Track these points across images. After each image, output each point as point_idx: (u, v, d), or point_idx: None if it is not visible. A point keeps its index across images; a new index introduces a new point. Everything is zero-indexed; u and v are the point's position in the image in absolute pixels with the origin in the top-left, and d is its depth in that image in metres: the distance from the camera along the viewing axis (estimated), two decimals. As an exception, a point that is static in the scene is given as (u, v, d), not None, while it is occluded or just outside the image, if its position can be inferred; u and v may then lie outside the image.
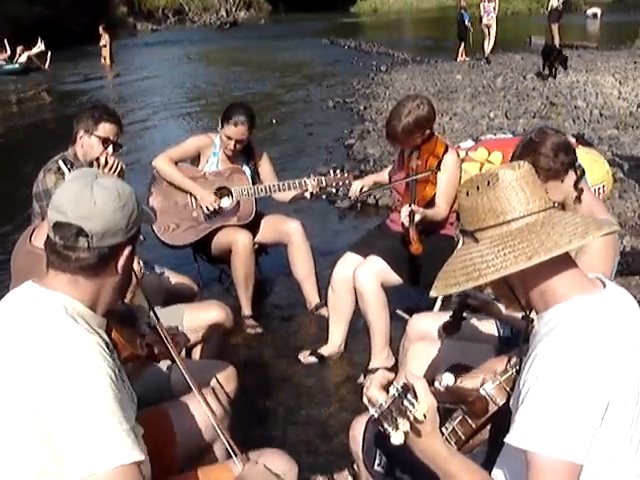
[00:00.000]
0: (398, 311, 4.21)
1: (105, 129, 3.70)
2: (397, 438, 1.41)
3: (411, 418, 1.42)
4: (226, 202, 4.62)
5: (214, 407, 2.50)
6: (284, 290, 5.13)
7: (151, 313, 2.26)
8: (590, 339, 1.56)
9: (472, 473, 1.58)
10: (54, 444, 1.64)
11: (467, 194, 1.75)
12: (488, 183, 1.71)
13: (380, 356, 3.92)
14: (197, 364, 3.22)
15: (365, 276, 3.83)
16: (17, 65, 22.27)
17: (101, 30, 23.77)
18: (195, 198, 4.59)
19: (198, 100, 15.80)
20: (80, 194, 1.76)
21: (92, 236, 1.75)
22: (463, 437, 1.89)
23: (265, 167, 4.79)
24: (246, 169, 4.70)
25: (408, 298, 4.51)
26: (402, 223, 3.70)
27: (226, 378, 2.94)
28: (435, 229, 3.96)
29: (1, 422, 1.70)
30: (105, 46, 23.77)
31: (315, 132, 11.06)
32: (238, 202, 4.61)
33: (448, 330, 2.55)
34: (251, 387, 3.65)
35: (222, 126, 4.51)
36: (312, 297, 4.68)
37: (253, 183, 4.68)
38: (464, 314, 2.71)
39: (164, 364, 2.95)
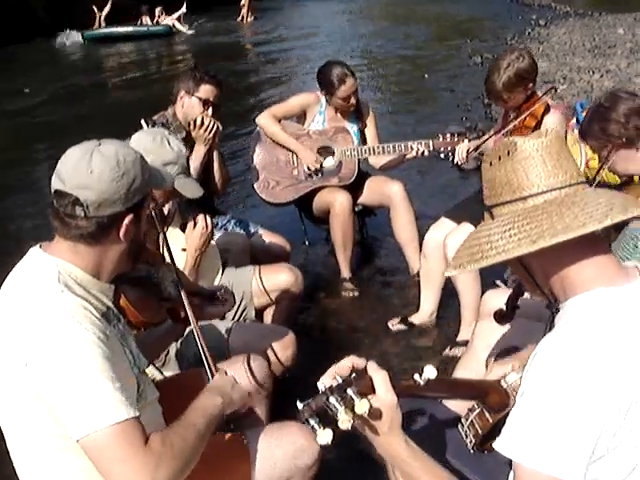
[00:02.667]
0: (497, 281, 4.00)
1: (206, 90, 3.81)
2: (323, 438, 1.29)
3: (345, 415, 1.28)
4: (328, 162, 4.54)
5: (256, 372, 2.48)
6: (387, 254, 5.00)
7: (174, 276, 2.21)
8: (597, 339, 1.35)
9: (433, 476, 1.44)
10: (50, 407, 1.66)
11: (490, 164, 1.57)
12: (508, 153, 1.52)
13: (468, 329, 3.72)
14: (255, 327, 3.20)
15: (455, 244, 3.65)
16: (161, 27, 22.68)
17: None
18: (297, 156, 4.54)
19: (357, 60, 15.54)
20: (78, 163, 1.74)
21: (88, 205, 1.73)
22: (481, 432, 1.73)
23: (371, 128, 4.67)
24: (353, 128, 4.59)
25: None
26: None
27: (283, 344, 2.91)
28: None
29: (4, 386, 1.74)
30: (244, 5, 24.02)
31: (457, 89, 10.70)
32: (340, 162, 4.52)
33: (499, 319, 2.35)
34: (327, 351, 3.58)
35: (327, 92, 4.42)
36: (413, 262, 4.52)
37: (359, 144, 4.57)
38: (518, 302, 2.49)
39: (223, 325, 2.95)
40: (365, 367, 1.44)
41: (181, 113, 3.86)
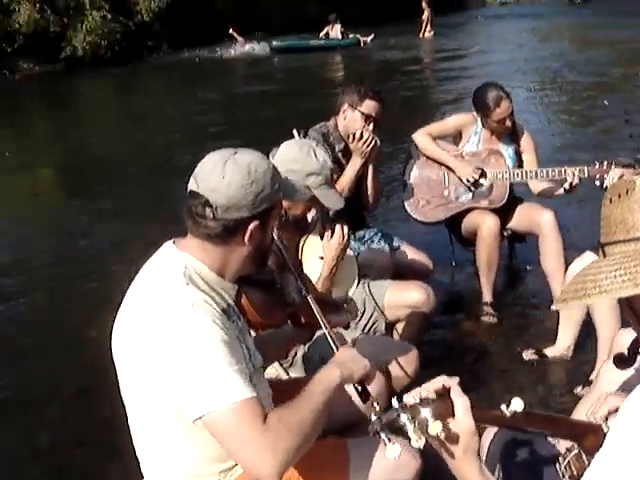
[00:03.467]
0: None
1: (369, 106, 3.93)
2: (390, 452, 1.34)
3: (414, 434, 1.32)
4: (480, 183, 4.53)
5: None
6: (533, 282, 4.90)
7: (297, 283, 2.31)
8: None
9: None
10: (172, 390, 1.80)
11: (610, 201, 1.55)
12: (627, 191, 1.50)
13: (604, 367, 3.62)
14: (380, 340, 3.26)
15: (575, 273, 3.54)
16: (349, 39, 22.70)
17: (423, 4, 23.91)
18: (449, 176, 4.56)
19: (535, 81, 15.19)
20: (213, 167, 1.89)
21: (217, 207, 1.87)
22: (577, 474, 1.71)
23: (528, 152, 4.61)
24: (508, 151, 4.56)
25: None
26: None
27: (405, 360, 2.95)
28: None
29: (130, 371, 1.91)
30: (425, 20, 23.92)
31: (634, 119, 10.23)
32: (492, 185, 4.49)
33: (619, 363, 2.26)
34: (454, 372, 3.57)
35: (483, 114, 4.43)
36: (557, 294, 4.42)
37: (515, 166, 4.54)
38: None
39: (350, 335, 3.02)
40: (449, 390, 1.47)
41: (342, 125, 4.00)
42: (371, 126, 3.89)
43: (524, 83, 14.08)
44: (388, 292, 3.40)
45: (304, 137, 3.68)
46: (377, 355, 2.91)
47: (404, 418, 1.35)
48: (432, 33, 24.03)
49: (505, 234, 4.68)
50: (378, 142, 3.91)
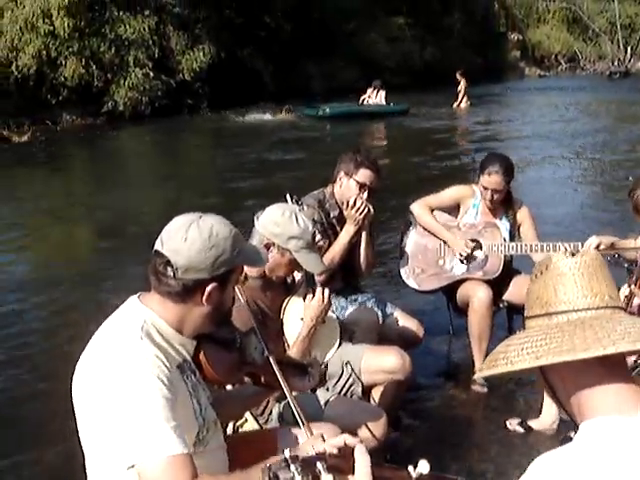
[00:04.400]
0: None
1: (364, 175, 4.03)
2: None
3: None
4: (476, 255, 4.61)
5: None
6: (527, 354, 4.91)
7: (260, 343, 2.41)
8: (587, 469, 1.38)
9: None
10: (112, 437, 1.90)
11: (535, 277, 1.62)
12: (546, 267, 1.57)
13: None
14: (350, 403, 3.32)
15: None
16: (401, 106, 22.32)
17: (458, 76, 23.95)
18: (445, 247, 4.66)
19: (565, 155, 15.20)
20: (178, 229, 2.03)
21: (177, 268, 2.00)
22: None
23: (527, 226, 4.68)
24: (505, 224, 4.65)
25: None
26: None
27: (376, 424, 3.01)
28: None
29: (81, 417, 2.02)
30: (460, 91, 23.97)
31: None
32: (487, 256, 4.57)
33: None
34: (433, 438, 3.64)
35: (479, 177, 4.54)
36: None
37: (511, 239, 4.62)
38: None
39: (323, 395, 3.11)
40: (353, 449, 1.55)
41: (338, 193, 4.12)
42: (365, 194, 3.99)
43: (553, 156, 14.22)
44: (365, 356, 3.48)
45: (296, 202, 3.81)
46: (346, 417, 3.00)
47: (293, 469, 1.43)
48: (468, 104, 24.05)
49: (501, 305, 4.74)
50: (372, 210, 4.01)
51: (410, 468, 1.56)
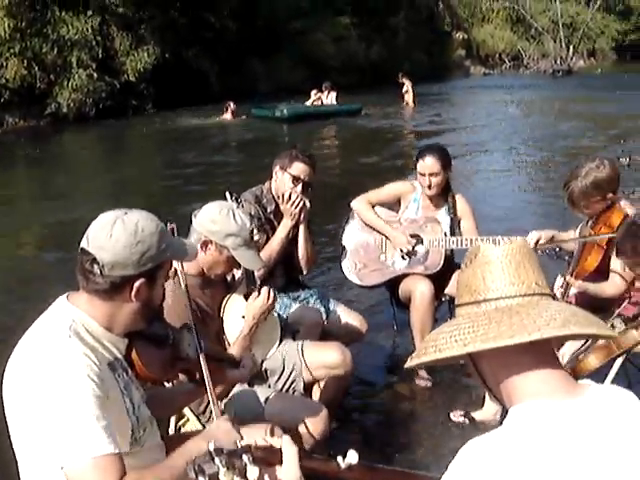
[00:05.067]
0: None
1: (298, 168, 4.04)
2: None
3: (225, 477, 1.39)
4: (417, 250, 4.65)
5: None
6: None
7: (193, 339, 2.40)
8: (514, 454, 1.38)
9: None
10: (42, 437, 1.87)
11: (465, 266, 1.64)
12: (475, 256, 1.59)
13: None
14: (291, 399, 3.33)
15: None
16: (355, 105, 22.10)
17: (401, 77, 24.03)
18: (386, 242, 4.68)
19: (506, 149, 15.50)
20: (103, 226, 2.00)
21: (104, 265, 1.97)
22: None
23: (467, 220, 4.74)
24: (445, 218, 4.69)
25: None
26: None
27: (316, 420, 3.02)
28: (606, 306, 3.63)
29: (12, 418, 1.98)
30: (407, 92, 23.99)
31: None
32: (428, 251, 4.61)
33: None
34: (378, 431, 3.66)
35: (416, 168, 4.60)
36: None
37: (452, 233, 4.66)
38: None
39: (263, 392, 3.11)
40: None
41: (274, 186, 4.13)
42: (299, 188, 4.01)
43: (496, 152, 14.43)
44: (306, 352, 3.48)
45: (236, 200, 3.79)
46: (287, 414, 3.00)
47: (217, 462, 1.42)
48: (414, 104, 24.12)
49: (443, 299, 4.78)
50: (308, 204, 4.02)
51: (339, 458, 1.56)
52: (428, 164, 4.52)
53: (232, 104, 21.45)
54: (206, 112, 22.02)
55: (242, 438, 2.09)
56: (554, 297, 1.60)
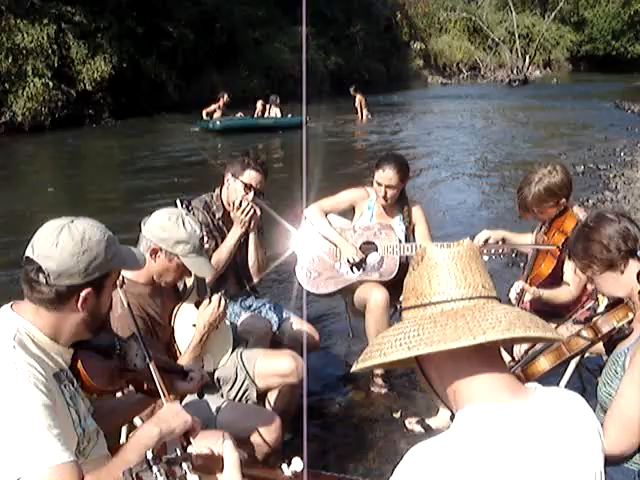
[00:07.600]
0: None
1: (250, 176, 4.01)
2: None
3: None
4: (372, 257, 4.64)
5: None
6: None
7: (141, 350, 2.35)
8: (459, 457, 1.38)
9: None
10: None
11: (412, 269, 1.61)
12: (421, 259, 1.58)
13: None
14: (243, 408, 3.29)
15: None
16: (298, 118, 20.55)
17: (352, 92, 23.75)
18: (340, 250, 4.66)
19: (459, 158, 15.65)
20: (49, 235, 1.96)
21: (49, 274, 1.93)
22: None
23: (420, 227, 4.75)
24: (400, 225, 4.69)
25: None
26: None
27: (269, 428, 2.99)
28: (560, 312, 3.66)
29: None
30: (359, 105, 23.69)
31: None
32: (382, 258, 4.61)
33: None
34: (332, 439, 3.64)
35: (373, 175, 4.58)
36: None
37: (406, 240, 4.66)
38: None
39: (215, 402, 3.06)
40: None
41: (225, 194, 4.08)
42: (250, 195, 3.98)
43: (452, 160, 14.55)
44: (259, 360, 3.45)
45: (187, 207, 3.75)
46: (239, 423, 2.96)
47: (155, 470, 1.39)
48: (367, 115, 23.95)
49: (398, 306, 4.77)
50: (258, 212, 3.99)
51: (284, 466, 1.53)
52: (387, 176, 4.50)
53: (225, 95, 21.06)
54: (162, 121, 21.86)
55: (193, 419, 2.07)
56: (500, 300, 1.59)
